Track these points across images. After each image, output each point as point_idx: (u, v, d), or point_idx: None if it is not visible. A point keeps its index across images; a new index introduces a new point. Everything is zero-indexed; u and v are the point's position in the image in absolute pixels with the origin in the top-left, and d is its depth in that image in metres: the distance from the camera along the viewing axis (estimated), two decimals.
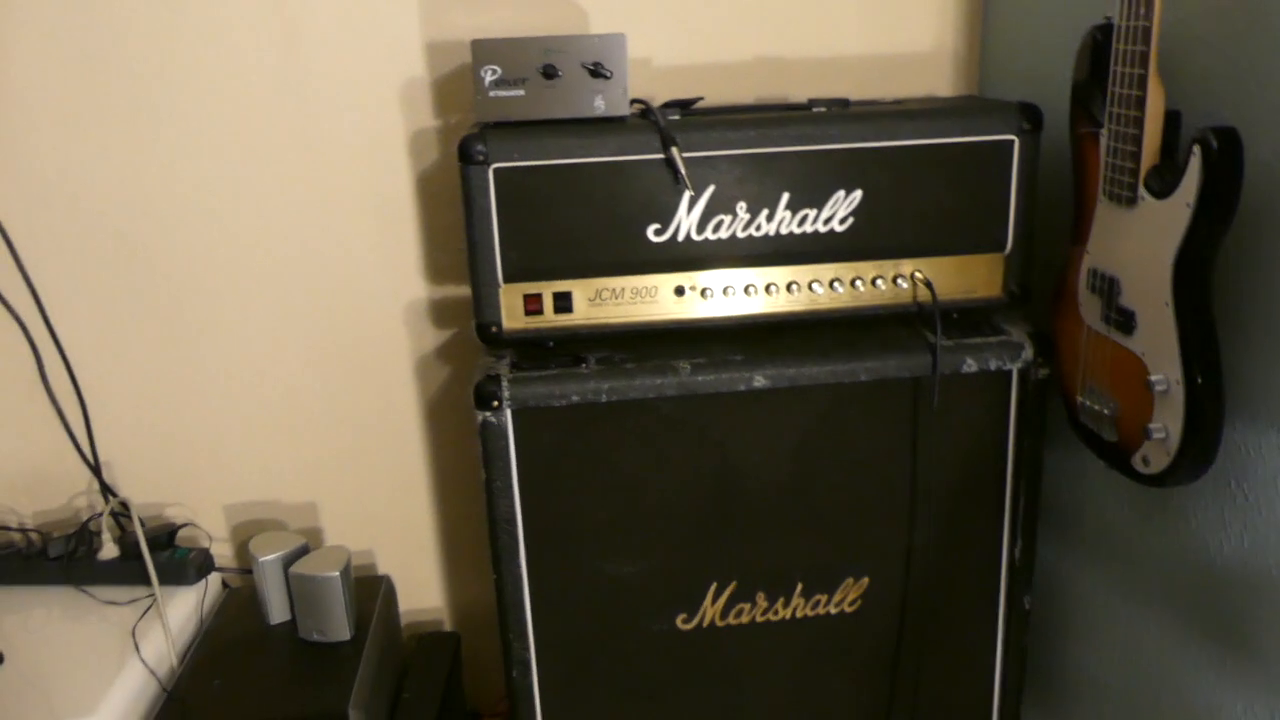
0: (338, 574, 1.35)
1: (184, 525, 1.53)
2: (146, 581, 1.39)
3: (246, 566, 1.54)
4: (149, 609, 1.36)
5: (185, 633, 1.39)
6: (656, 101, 1.41)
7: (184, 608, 1.41)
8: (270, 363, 1.55)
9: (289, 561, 1.39)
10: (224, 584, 1.55)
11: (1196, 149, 0.92)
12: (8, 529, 1.52)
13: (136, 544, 1.40)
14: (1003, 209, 1.24)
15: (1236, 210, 0.94)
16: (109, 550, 1.44)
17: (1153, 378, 1.02)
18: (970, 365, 1.25)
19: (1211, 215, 0.94)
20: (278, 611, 1.40)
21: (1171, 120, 1.00)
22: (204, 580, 1.45)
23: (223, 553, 1.61)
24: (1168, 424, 1.02)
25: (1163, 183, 0.98)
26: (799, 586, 1.34)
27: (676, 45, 1.48)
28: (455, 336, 1.58)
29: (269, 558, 1.37)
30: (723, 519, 1.30)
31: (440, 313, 1.57)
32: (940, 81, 1.56)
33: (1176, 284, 0.98)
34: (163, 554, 1.43)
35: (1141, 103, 0.99)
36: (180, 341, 1.52)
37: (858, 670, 1.39)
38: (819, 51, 1.51)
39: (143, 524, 1.45)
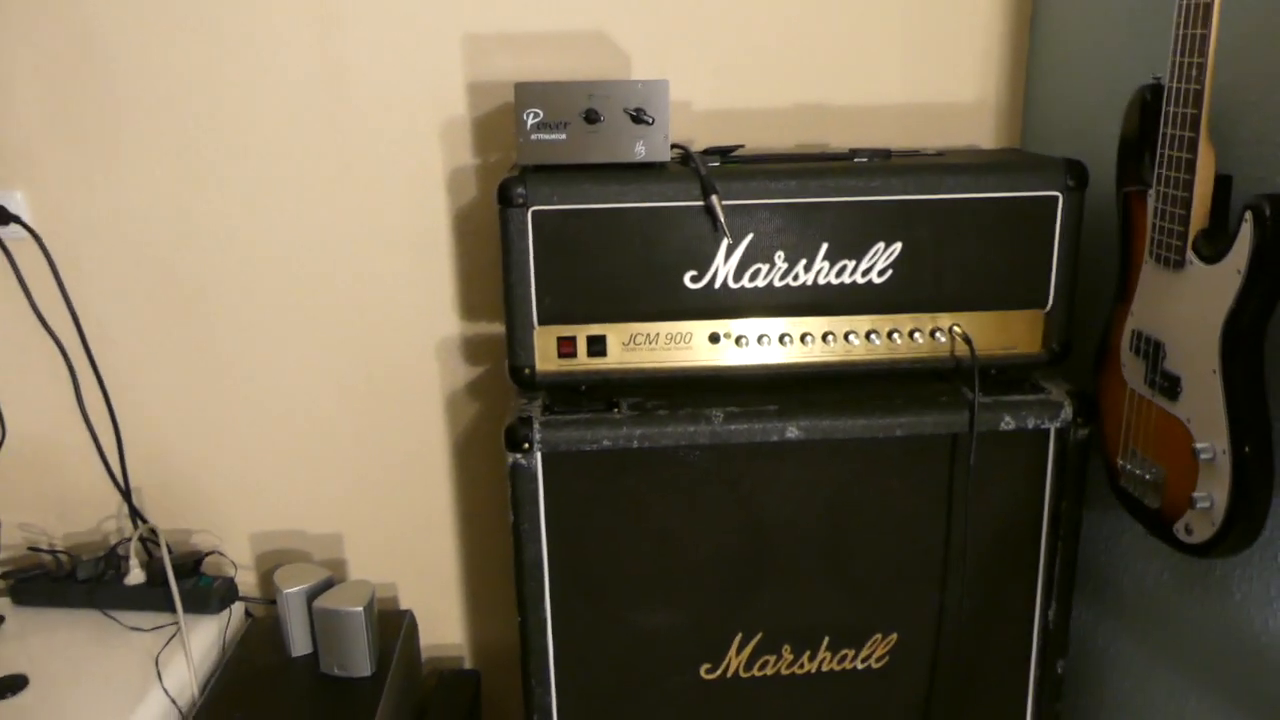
0: (361, 609, 1.34)
1: (210, 553, 1.54)
2: (171, 608, 1.40)
3: (270, 596, 1.54)
4: (173, 637, 1.36)
5: (207, 662, 1.39)
6: (696, 145, 1.41)
7: (206, 636, 1.41)
8: (302, 394, 1.56)
9: (313, 595, 1.38)
10: (247, 613, 1.55)
11: (1249, 215, 0.91)
12: (38, 550, 1.53)
13: (163, 570, 1.41)
14: (1045, 265, 1.23)
15: None
16: (135, 575, 1.44)
17: (1198, 445, 1.00)
18: (1008, 423, 1.23)
19: (1262, 282, 0.92)
20: (300, 644, 1.40)
21: (1222, 184, 0.98)
22: (228, 609, 1.45)
23: (247, 581, 1.61)
24: (1213, 493, 0.99)
25: (1212, 247, 0.97)
26: (826, 640, 1.32)
27: (718, 90, 1.49)
28: (486, 374, 1.58)
29: (293, 590, 1.37)
30: (751, 570, 1.28)
31: (472, 350, 1.57)
32: (982, 132, 1.55)
33: (1225, 351, 0.96)
34: (188, 581, 1.43)
35: (1192, 165, 0.97)
36: (214, 371, 1.54)
37: None
38: (860, 99, 1.51)
39: (170, 551, 1.45)
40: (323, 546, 1.64)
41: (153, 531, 1.51)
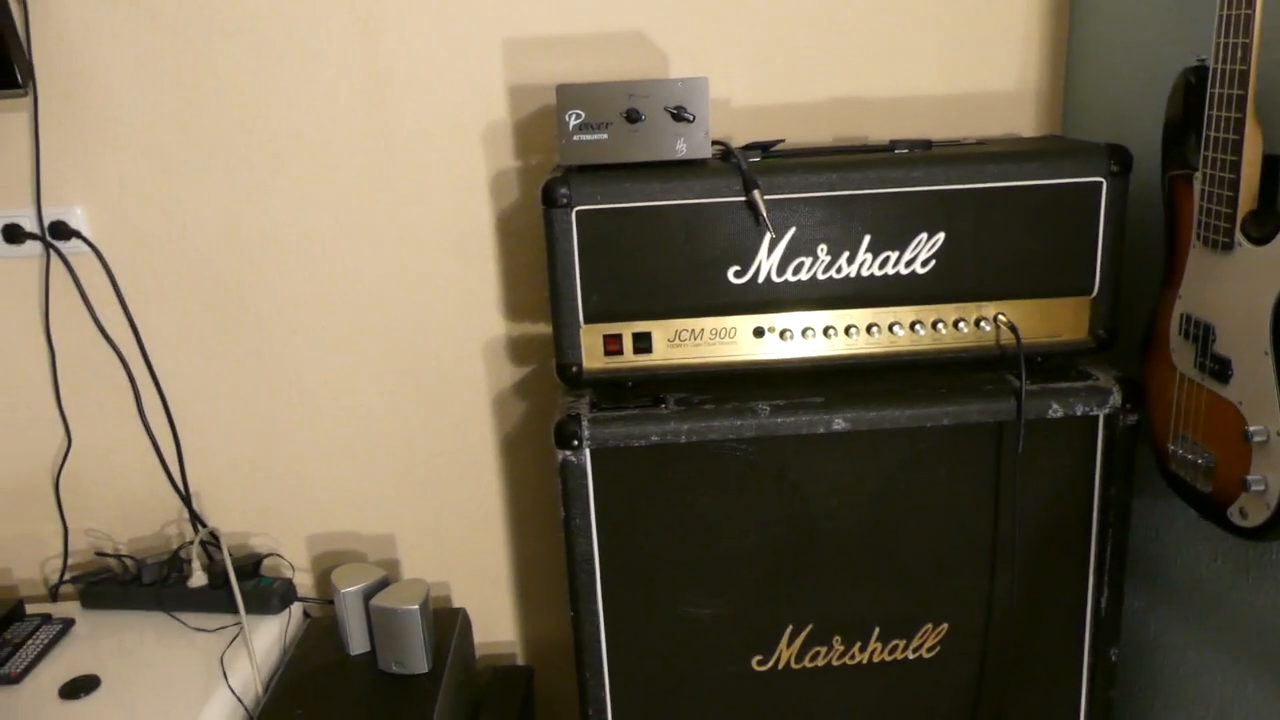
0: (417, 607, 1.37)
1: (268, 555, 1.57)
2: (234, 609, 1.43)
3: (327, 597, 1.58)
4: (236, 637, 1.40)
5: (269, 661, 1.43)
6: (736, 142, 1.42)
7: (268, 636, 1.44)
8: (352, 397, 1.59)
9: (370, 594, 1.41)
10: (305, 613, 1.58)
11: None
12: (105, 555, 1.58)
13: (224, 573, 1.45)
14: (1090, 252, 1.22)
15: None
16: (198, 578, 1.48)
17: (1251, 428, 0.99)
18: (1056, 410, 1.23)
19: None
20: (358, 642, 1.43)
21: (1270, 165, 0.98)
22: (287, 610, 1.49)
23: (304, 582, 1.65)
24: (1267, 476, 0.99)
25: (1261, 229, 0.96)
26: (876, 631, 1.32)
27: (756, 86, 1.49)
28: (533, 373, 1.60)
29: (351, 590, 1.40)
30: (800, 562, 1.29)
31: (518, 350, 1.59)
32: (1023, 120, 1.54)
33: (1276, 333, 0.95)
34: (248, 583, 1.47)
35: (1239, 147, 0.97)
36: (268, 377, 1.57)
37: (936, 718, 1.36)
38: (899, 91, 1.51)
39: (230, 554, 1.49)
40: (376, 547, 1.67)
41: (213, 535, 1.55)
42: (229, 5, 1.42)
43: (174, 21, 1.42)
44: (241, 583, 1.46)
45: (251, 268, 1.53)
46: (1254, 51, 0.94)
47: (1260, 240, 0.96)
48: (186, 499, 1.58)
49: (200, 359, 1.56)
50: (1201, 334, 1.06)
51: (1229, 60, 0.96)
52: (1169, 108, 1.10)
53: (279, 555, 1.62)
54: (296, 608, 1.53)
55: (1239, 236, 0.99)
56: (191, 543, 1.50)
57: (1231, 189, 0.98)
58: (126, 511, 1.61)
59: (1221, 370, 1.03)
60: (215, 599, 1.46)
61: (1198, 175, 1.04)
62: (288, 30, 1.43)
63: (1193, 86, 1.05)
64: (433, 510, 1.66)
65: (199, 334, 1.55)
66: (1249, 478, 1.00)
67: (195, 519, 1.59)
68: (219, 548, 1.51)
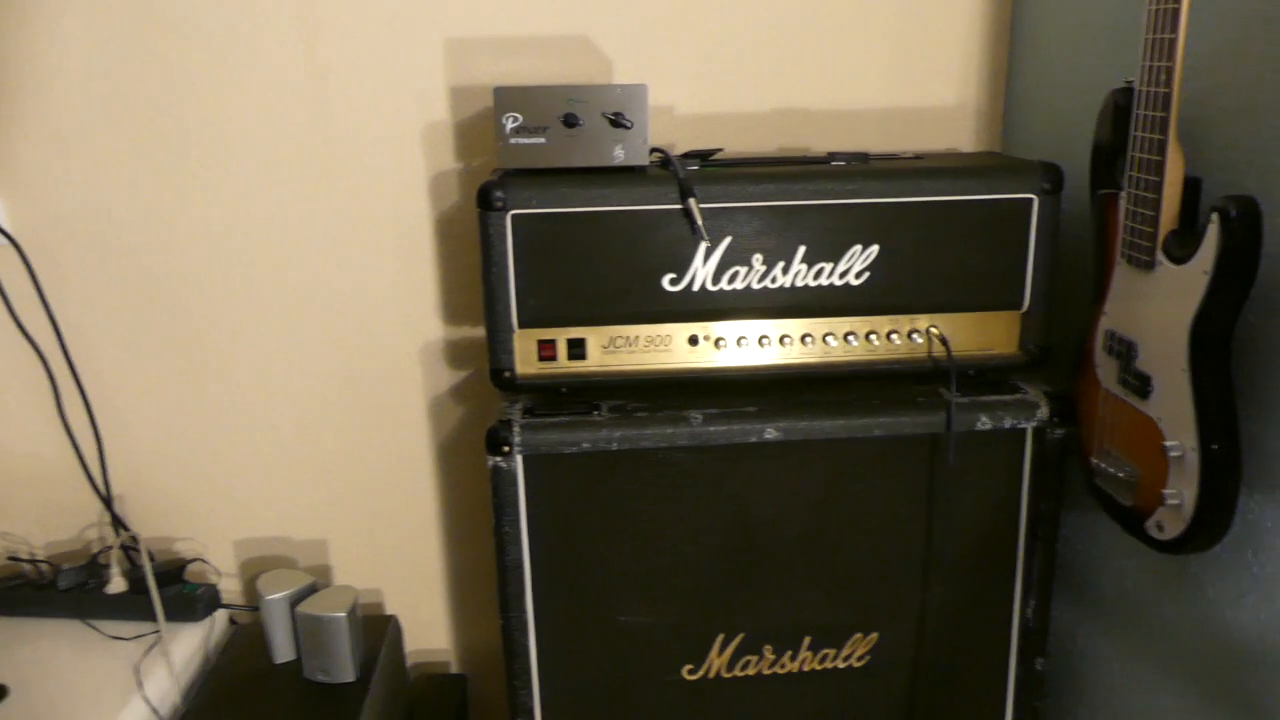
0: (344, 615, 1.34)
1: (193, 560, 1.53)
2: (154, 617, 1.39)
3: (255, 604, 1.54)
4: (154, 646, 1.36)
5: (190, 670, 1.39)
6: (678, 149, 1.42)
7: (189, 644, 1.40)
8: (285, 400, 1.56)
9: (296, 600, 1.38)
10: (231, 620, 1.54)
11: (1215, 217, 0.92)
12: (19, 560, 1.53)
13: (144, 578, 1.40)
14: (1021, 268, 1.24)
15: (1254, 279, 0.94)
16: (117, 584, 1.44)
17: (1168, 444, 1.01)
18: (985, 423, 1.24)
19: (1229, 283, 0.93)
20: (283, 651, 1.39)
21: (1191, 187, 1.00)
22: (211, 617, 1.45)
23: (231, 589, 1.61)
24: (1183, 491, 1.00)
25: (1181, 248, 0.98)
26: (807, 640, 1.33)
27: (699, 94, 1.50)
28: (470, 377, 1.58)
29: (275, 596, 1.37)
30: (733, 571, 1.29)
31: (456, 353, 1.57)
32: (963, 136, 1.56)
33: (1193, 351, 0.97)
34: (171, 589, 1.43)
35: (1160, 168, 0.99)
36: (197, 376, 1.54)
37: None
38: (843, 104, 1.52)
39: (152, 558, 1.45)
40: (308, 552, 1.64)
41: (134, 539, 1.50)
42: None
43: (105, 8, 1.38)
44: (164, 589, 1.42)
45: (182, 265, 1.49)
46: (1176, 75, 0.95)
47: (1180, 260, 0.98)
48: (108, 502, 1.54)
49: (126, 358, 1.51)
50: (1124, 350, 1.08)
51: (1153, 83, 0.98)
52: (1098, 128, 1.12)
53: (204, 561, 1.58)
54: (221, 615, 1.49)
55: (1160, 256, 1.01)
56: (111, 548, 1.46)
57: (1153, 209, 1.00)
58: (45, 515, 1.56)
59: (1142, 386, 1.05)
60: (135, 606, 1.42)
61: (1123, 195, 1.06)
62: (223, 23, 1.40)
63: (1120, 108, 1.07)
64: (366, 515, 1.63)
65: (125, 332, 1.51)
66: (1165, 492, 1.02)
67: (117, 523, 1.54)
68: (140, 552, 1.47)
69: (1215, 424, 0.97)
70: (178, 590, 1.44)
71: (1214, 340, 0.97)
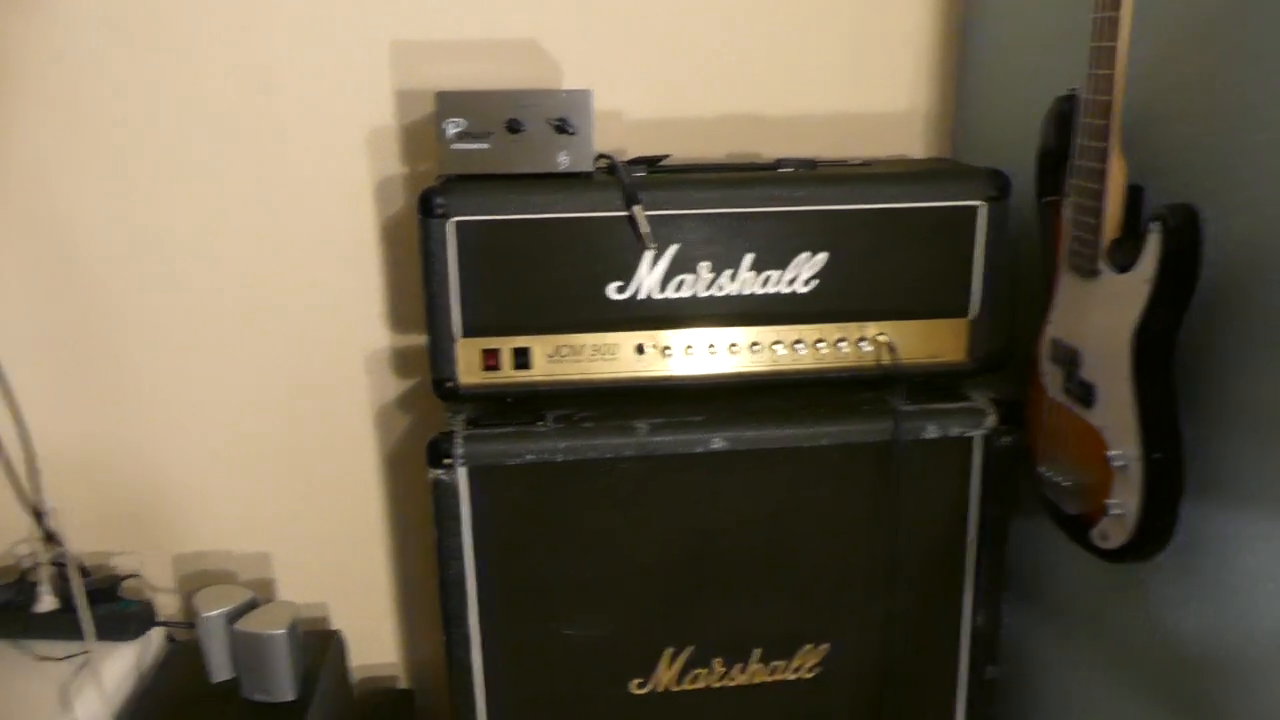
0: (284, 631, 1.31)
1: (129, 576, 1.48)
2: (84, 636, 1.34)
3: (193, 620, 1.49)
4: (83, 666, 1.31)
5: (122, 691, 1.34)
6: (627, 154, 1.40)
7: (122, 664, 1.36)
8: (227, 409, 1.52)
9: (234, 617, 1.34)
10: (169, 638, 1.50)
11: (1155, 226, 0.92)
12: None
13: (74, 596, 1.36)
14: (968, 275, 1.24)
15: (1195, 288, 0.94)
16: (47, 602, 1.39)
17: (1112, 453, 1.01)
18: (932, 431, 1.23)
19: (1170, 292, 0.93)
20: (221, 669, 1.35)
21: (1134, 195, 1.00)
22: (145, 635, 1.40)
23: (170, 605, 1.56)
24: (1126, 500, 1.00)
25: (1123, 257, 0.98)
26: (757, 652, 1.31)
27: (649, 99, 1.48)
28: (417, 386, 1.55)
29: (212, 613, 1.33)
30: (681, 582, 1.27)
31: (402, 362, 1.54)
32: (914, 142, 1.56)
33: (1136, 360, 0.97)
34: (104, 607, 1.38)
35: (1103, 176, 0.98)
36: (134, 385, 1.49)
37: None
38: (794, 109, 1.51)
39: (86, 573, 1.41)
40: (250, 566, 1.59)
41: (64, 554, 1.45)
42: None
43: (40, 7, 1.33)
44: (98, 606, 1.37)
45: (118, 272, 1.44)
46: (1118, 83, 0.95)
47: (1122, 268, 0.98)
48: (39, 516, 1.48)
49: (59, 366, 1.47)
50: (1069, 359, 1.08)
51: (1096, 91, 0.98)
52: (1043, 135, 1.12)
53: (140, 576, 1.53)
54: (157, 633, 1.44)
55: (1103, 264, 1.00)
56: (41, 564, 1.41)
57: (1096, 217, 1.00)
58: None
59: (1086, 395, 1.05)
60: (66, 624, 1.36)
61: (1067, 202, 1.05)
62: (163, 22, 1.36)
63: (1064, 115, 1.07)
64: (311, 528, 1.59)
65: (58, 339, 1.46)
66: (1109, 501, 1.02)
67: (48, 537, 1.49)
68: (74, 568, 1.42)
69: (1158, 433, 0.97)
70: (111, 608, 1.39)
71: (1156, 349, 0.97)
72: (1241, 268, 0.94)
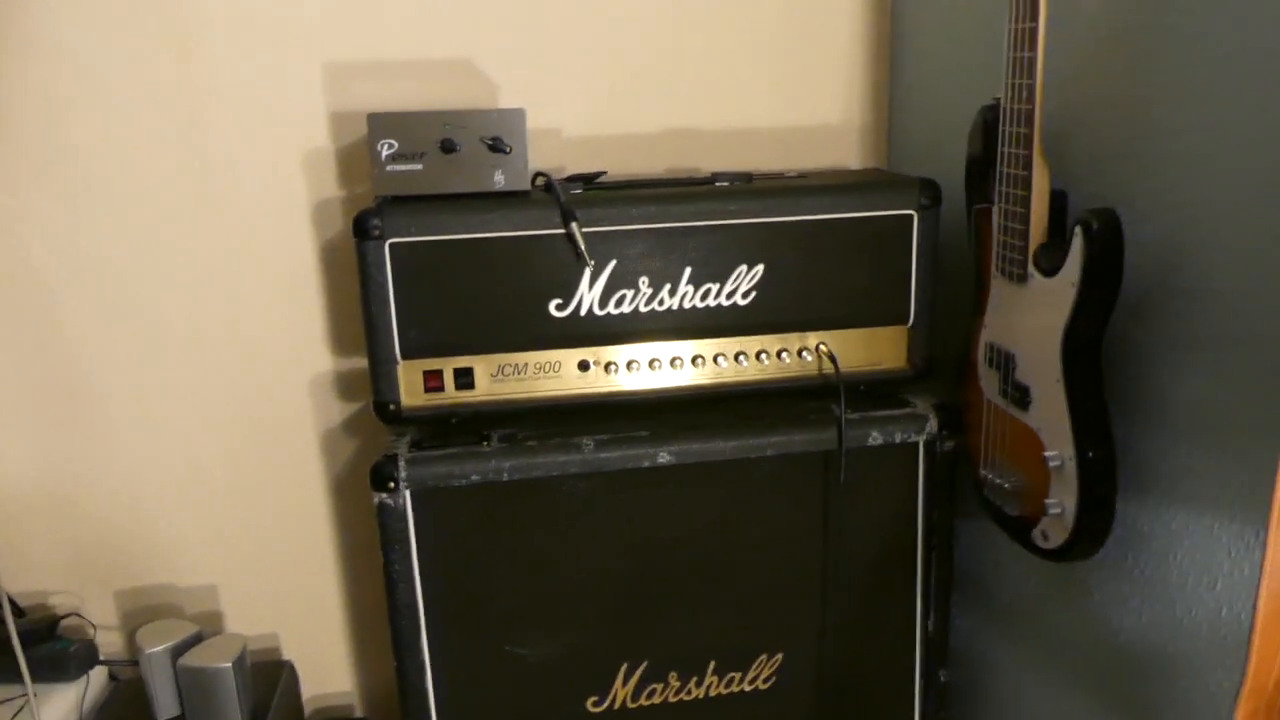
0: (230, 664, 1.28)
1: (68, 615, 1.45)
2: (22, 678, 1.30)
3: (136, 658, 1.46)
4: (20, 710, 1.28)
5: None
6: (566, 171, 1.40)
7: (62, 706, 1.32)
8: (168, 437, 1.49)
9: (179, 652, 1.31)
10: (112, 677, 1.46)
11: (1079, 230, 0.94)
12: None
13: (9, 637, 1.32)
14: (904, 282, 1.25)
15: (1119, 289, 0.96)
16: None
17: (1048, 454, 1.02)
18: (876, 438, 1.25)
19: (1095, 294, 0.95)
20: (166, 707, 1.32)
21: (1058, 200, 1.02)
22: (86, 675, 1.37)
23: (112, 642, 1.52)
24: (1064, 500, 1.02)
25: (1050, 261, 1.00)
26: (711, 665, 1.31)
27: (587, 116, 1.48)
28: (362, 410, 1.53)
29: (157, 650, 1.30)
30: (633, 598, 1.27)
31: (347, 385, 1.52)
32: (849, 153, 1.58)
33: (1066, 361, 0.99)
34: (42, 648, 1.34)
35: (1028, 182, 1.00)
36: (71, 415, 1.45)
37: None
38: (730, 123, 1.52)
39: (22, 612, 1.37)
40: (196, 599, 1.56)
41: None
42: (29, 13, 1.31)
43: None
44: (34, 647, 1.33)
45: (51, 296, 1.41)
46: (1038, 92, 0.97)
47: (1050, 272, 1.00)
48: None
49: None
50: (1004, 362, 1.10)
51: (1017, 100, 0.99)
52: (970, 144, 1.14)
53: (80, 615, 1.49)
54: (99, 672, 1.41)
55: (1031, 268, 1.02)
56: None
57: (1023, 223, 1.02)
58: None
59: (1022, 397, 1.06)
60: (2, 667, 1.32)
61: (994, 209, 1.07)
62: (93, 44, 1.34)
63: (989, 124, 1.09)
64: (258, 557, 1.56)
65: None
66: (1048, 501, 1.03)
67: None
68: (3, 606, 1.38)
69: (1090, 432, 0.99)
70: (50, 648, 1.36)
71: (1085, 350, 0.99)
72: (1163, 269, 0.96)
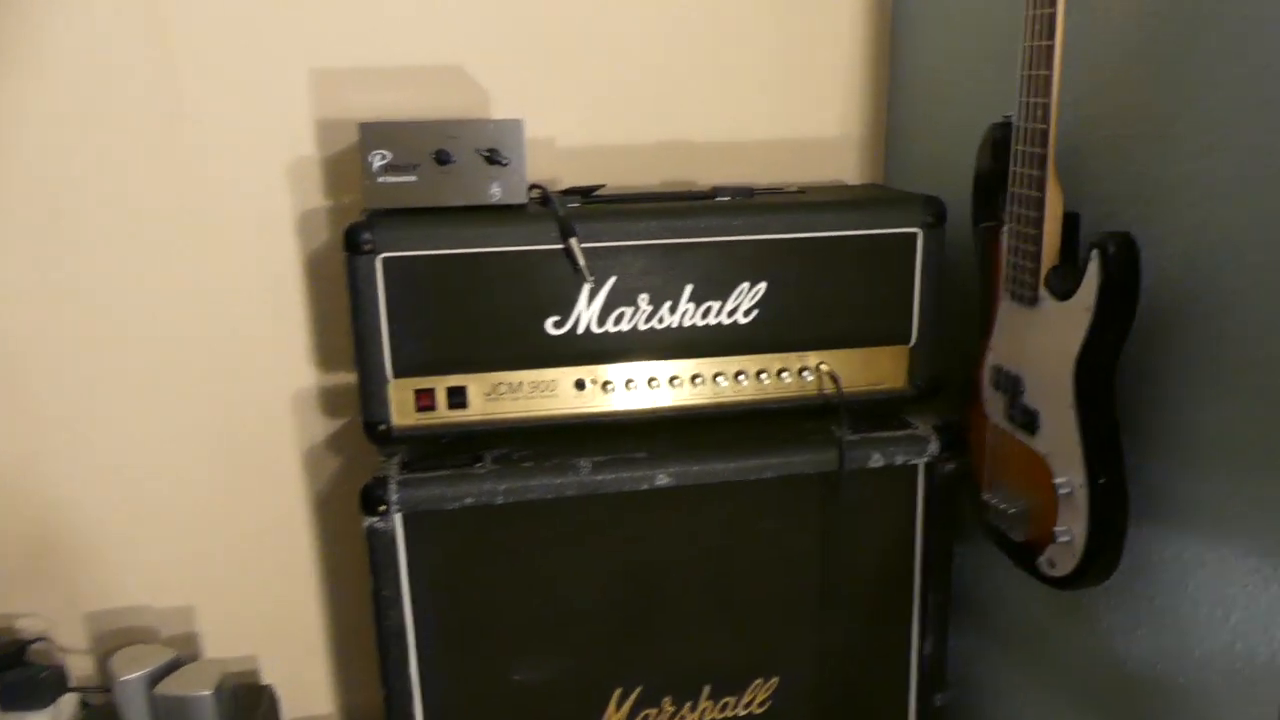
0: (209, 692, 1.24)
1: (36, 640, 1.39)
2: None
3: (110, 684, 1.40)
4: None
5: None
6: (560, 183, 1.37)
7: None
8: (144, 453, 1.44)
9: (155, 679, 1.27)
10: (84, 704, 1.40)
11: (1095, 253, 0.92)
12: None
13: None
14: (907, 302, 1.23)
15: (1135, 315, 0.94)
16: None
17: (1057, 481, 1.00)
18: (877, 460, 1.22)
19: (1111, 319, 0.93)
20: None
21: (1071, 222, 1.00)
22: (56, 703, 1.31)
23: (84, 668, 1.47)
24: (1073, 527, 1.00)
25: (1063, 284, 0.98)
26: (706, 689, 1.28)
27: (582, 127, 1.45)
28: (347, 426, 1.49)
29: (131, 677, 1.26)
30: (628, 622, 1.24)
31: (331, 401, 1.48)
32: (847, 167, 1.56)
33: (1078, 386, 0.97)
34: (9, 674, 1.29)
35: (1040, 203, 0.98)
36: (42, 431, 1.40)
37: None
38: (727, 135, 1.50)
39: None
40: (171, 622, 1.51)
41: None
42: (8, 20, 1.26)
43: None
44: (2, 673, 1.28)
45: (29, 312, 1.36)
46: (1053, 111, 0.95)
47: (1062, 296, 0.98)
48: None
49: None
50: (1011, 385, 1.08)
51: (1031, 119, 0.98)
52: (978, 161, 1.12)
53: (49, 639, 1.43)
54: (70, 699, 1.35)
55: (1043, 291, 1.00)
56: None
57: (1035, 244, 1.00)
58: None
59: (1030, 422, 1.04)
60: None
61: (1005, 230, 1.05)
62: (71, 52, 1.29)
63: (999, 142, 1.07)
64: (238, 578, 1.51)
65: None
66: (1056, 529, 1.01)
67: None
68: None
69: (1102, 459, 0.97)
70: (18, 674, 1.30)
71: (1098, 375, 0.97)
72: (1179, 294, 0.95)
